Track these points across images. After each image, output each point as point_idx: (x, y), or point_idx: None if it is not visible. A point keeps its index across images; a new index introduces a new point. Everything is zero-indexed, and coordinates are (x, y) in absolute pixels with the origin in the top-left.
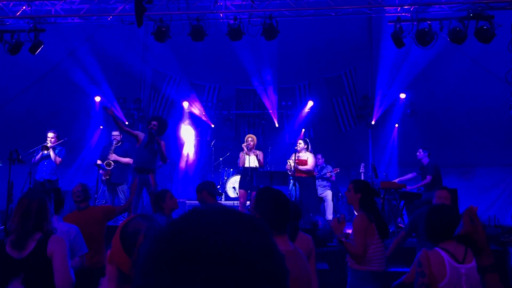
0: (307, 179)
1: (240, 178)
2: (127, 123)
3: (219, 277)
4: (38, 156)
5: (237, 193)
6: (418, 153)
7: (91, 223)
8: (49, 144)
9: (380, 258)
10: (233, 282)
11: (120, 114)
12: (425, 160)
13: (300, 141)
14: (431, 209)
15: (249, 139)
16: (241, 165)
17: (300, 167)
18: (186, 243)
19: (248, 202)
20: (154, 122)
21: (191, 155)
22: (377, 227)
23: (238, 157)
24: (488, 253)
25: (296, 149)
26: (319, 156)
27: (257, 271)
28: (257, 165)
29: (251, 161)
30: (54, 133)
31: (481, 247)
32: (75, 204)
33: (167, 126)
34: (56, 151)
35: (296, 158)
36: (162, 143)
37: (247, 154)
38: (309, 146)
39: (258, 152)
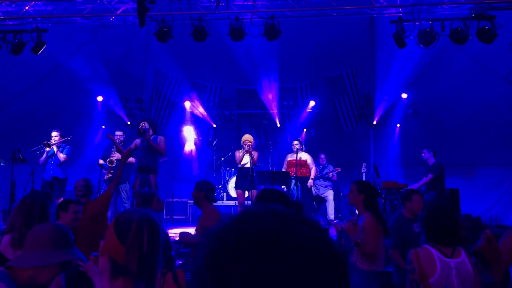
0: (307, 179)
1: (237, 178)
2: (129, 122)
3: (290, 273)
4: (44, 156)
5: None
6: (423, 154)
7: (94, 219)
8: (52, 141)
9: (383, 258)
10: (303, 278)
11: (122, 113)
12: (431, 161)
13: (296, 142)
14: (428, 210)
15: (247, 142)
16: (238, 161)
17: (304, 169)
18: (258, 239)
19: (248, 202)
20: (143, 123)
21: (193, 155)
22: (383, 226)
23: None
24: (499, 270)
25: (296, 149)
26: (322, 156)
27: (325, 264)
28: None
29: (249, 161)
30: (57, 131)
31: (493, 264)
32: (76, 198)
33: (156, 124)
34: (60, 148)
35: (298, 159)
36: (160, 138)
37: (249, 155)
38: (303, 146)
39: (253, 152)
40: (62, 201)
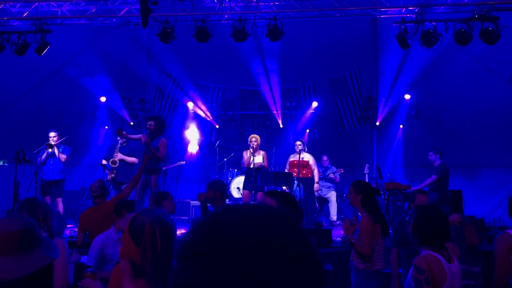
0: (310, 180)
1: (245, 178)
2: (132, 123)
3: (254, 269)
4: (44, 156)
5: (241, 194)
6: (430, 157)
7: (107, 218)
8: (52, 142)
9: (382, 257)
10: (267, 277)
11: (125, 114)
12: (437, 162)
13: (299, 142)
14: (417, 212)
15: (253, 139)
16: (245, 165)
17: (307, 170)
18: (224, 235)
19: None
20: (150, 122)
21: (196, 155)
22: (381, 226)
23: (242, 157)
24: None
25: (299, 150)
26: (325, 158)
27: (296, 265)
28: (263, 164)
29: (255, 161)
30: (55, 132)
31: None
32: (92, 199)
33: (165, 124)
34: (60, 149)
35: (301, 159)
36: (161, 141)
37: (252, 155)
38: (305, 147)
39: (262, 152)
40: (116, 206)
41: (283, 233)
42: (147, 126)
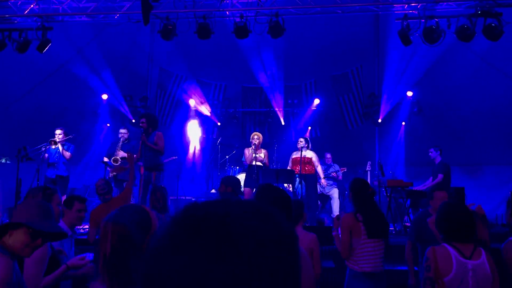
0: (312, 177)
1: (246, 176)
2: (133, 120)
3: (228, 260)
4: (47, 154)
5: (242, 192)
6: (430, 153)
7: None
8: (56, 139)
9: (371, 259)
10: (240, 266)
11: (126, 111)
12: (438, 159)
13: (302, 139)
14: (439, 208)
15: (255, 137)
16: (247, 162)
17: (309, 167)
18: (201, 225)
19: None
20: (142, 120)
21: (197, 153)
22: (366, 226)
23: (243, 154)
24: None
25: (300, 146)
26: (328, 156)
27: (264, 259)
28: (264, 161)
29: (257, 159)
30: (61, 129)
31: None
32: (100, 197)
33: (157, 120)
34: (65, 147)
35: (303, 157)
36: (157, 135)
37: (254, 152)
38: (310, 144)
39: (264, 151)
40: (67, 197)
41: (248, 212)
42: (140, 124)
